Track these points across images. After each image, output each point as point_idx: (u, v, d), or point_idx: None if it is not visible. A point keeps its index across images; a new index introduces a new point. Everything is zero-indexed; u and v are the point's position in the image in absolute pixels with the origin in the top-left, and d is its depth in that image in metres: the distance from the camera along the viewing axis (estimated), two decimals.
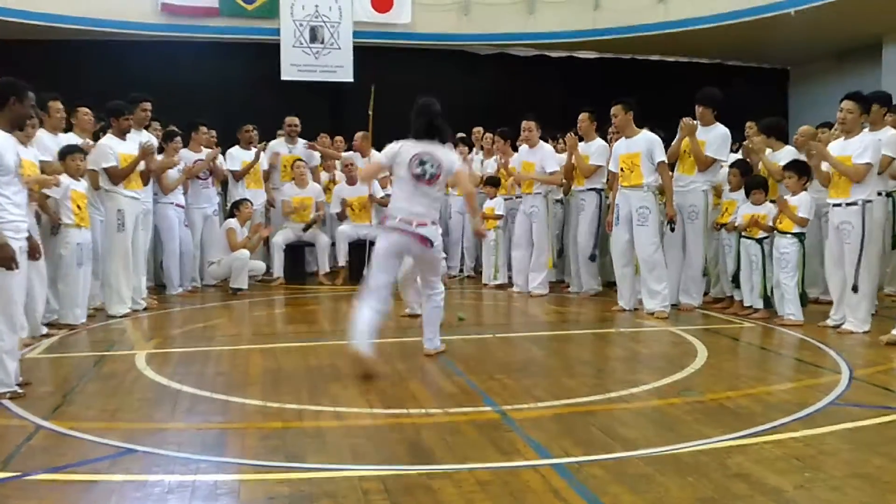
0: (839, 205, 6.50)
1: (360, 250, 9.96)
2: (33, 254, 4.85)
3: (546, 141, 8.94)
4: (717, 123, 7.53)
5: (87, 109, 7.56)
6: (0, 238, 4.37)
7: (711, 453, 3.50)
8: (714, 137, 7.47)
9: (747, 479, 3.18)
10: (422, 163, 5.23)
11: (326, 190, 10.43)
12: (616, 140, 7.95)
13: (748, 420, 4.01)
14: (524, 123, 8.73)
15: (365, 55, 13.06)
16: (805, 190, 6.92)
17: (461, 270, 10.56)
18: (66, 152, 6.66)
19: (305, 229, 9.93)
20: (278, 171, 10.39)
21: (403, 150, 5.29)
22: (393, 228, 5.26)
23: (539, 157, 8.64)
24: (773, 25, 12.52)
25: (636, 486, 3.12)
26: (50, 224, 6.59)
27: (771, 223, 7.01)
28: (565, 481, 3.17)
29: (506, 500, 3.00)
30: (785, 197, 6.98)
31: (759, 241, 7.09)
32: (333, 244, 9.90)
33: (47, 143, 6.81)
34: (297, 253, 10.18)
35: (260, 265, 9.81)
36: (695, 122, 7.50)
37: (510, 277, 9.26)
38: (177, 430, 3.98)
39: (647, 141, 7.38)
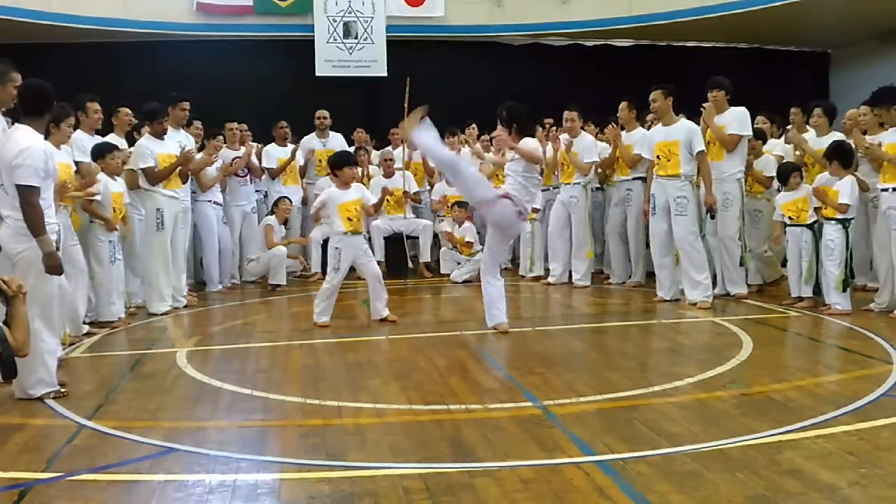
0: (887, 190, 6.36)
1: (399, 244, 9.98)
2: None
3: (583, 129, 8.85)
4: (732, 107, 7.42)
5: (128, 110, 7.62)
6: (48, 246, 4.41)
7: (761, 448, 3.41)
8: (733, 117, 7.37)
9: (799, 475, 3.09)
10: None
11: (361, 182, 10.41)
12: (654, 127, 7.82)
13: (798, 413, 3.90)
14: (566, 114, 8.62)
15: (398, 49, 13.00)
16: (849, 175, 6.74)
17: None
18: (105, 150, 6.70)
19: None
20: (313, 166, 10.41)
21: None
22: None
23: (581, 147, 8.54)
24: (813, 7, 12.20)
25: (684, 483, 3.04)
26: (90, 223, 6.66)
27: (814, 208, 6.87)
28: (610, 479, 3.10)
29: (550, 499, 2.94)
30: (825, 183, 6.81)
31: (810, 226, 6.93)
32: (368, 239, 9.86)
33: (85, 143, 6.89)
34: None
35: (296, 264, 9.81)
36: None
37: (547, 269, 9.17)
38: (218, 429, 3.98)
39: (686, 130, 7.24)
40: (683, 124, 7.31)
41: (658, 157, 7.38)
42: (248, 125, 9.91)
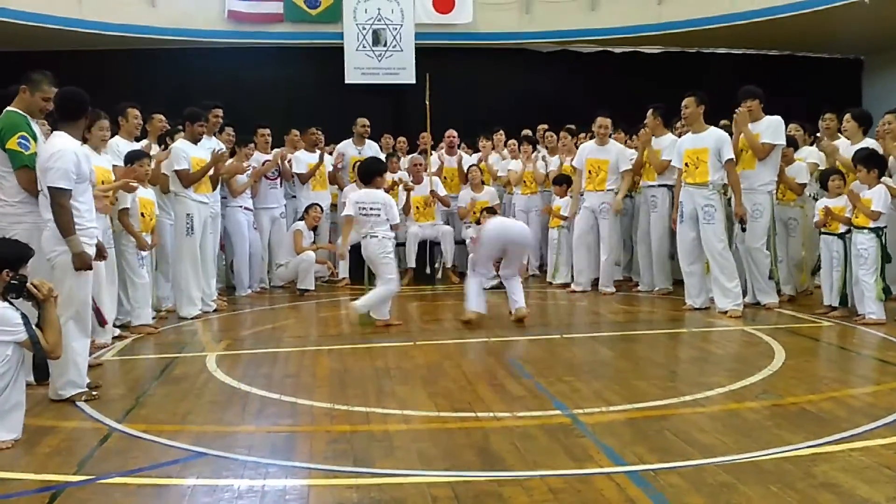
0: None
1: (422, 251, 9.98)
2: (100, 254, 4.98)
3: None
4: (766, 116, 7.34)
5: (161, 116, 7.71)
6: (77, 246, 4.49)
7: (795, 461, 3.35)
8: (767, 125, 7.29)
9: (835, 489, 3.03)
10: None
11: (389, 190, 10.40)
12: (683, 134, 7.77)
13: (832, 425, 3.83)
14: (600, 120, 8.57)
15: (427, 56, 13.04)
16: (880, 182, 6.63)
17: (525, 269, 10.44)
18: (136, 157, 6.77)
19: None
20: (346, 172, 10.44)
21: None
22: None
23: (613, 154, 8.51)
24: (846, 14, 12.07)
25: (716, 495, 2.99)
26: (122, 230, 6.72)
27: (849, 215, 6.76)
28: (641, 490, 3.06)
29: None
30: (857, 190, 6.71)
31: (842, 236, 6.82)
32: (399, 244, 9.87)
33: (123, 148, 6.97)
34: (361, 254, 10.18)
35: (324, 269, 9.83)
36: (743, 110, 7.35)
37: (573, 276, 9.10)
38: (246, 434, 3.99)
39: (715, 138, 7.18)
40: (713, 132, 7.25)
41: (686, 164, 7.32)
42: (277, 131, 9.97)
